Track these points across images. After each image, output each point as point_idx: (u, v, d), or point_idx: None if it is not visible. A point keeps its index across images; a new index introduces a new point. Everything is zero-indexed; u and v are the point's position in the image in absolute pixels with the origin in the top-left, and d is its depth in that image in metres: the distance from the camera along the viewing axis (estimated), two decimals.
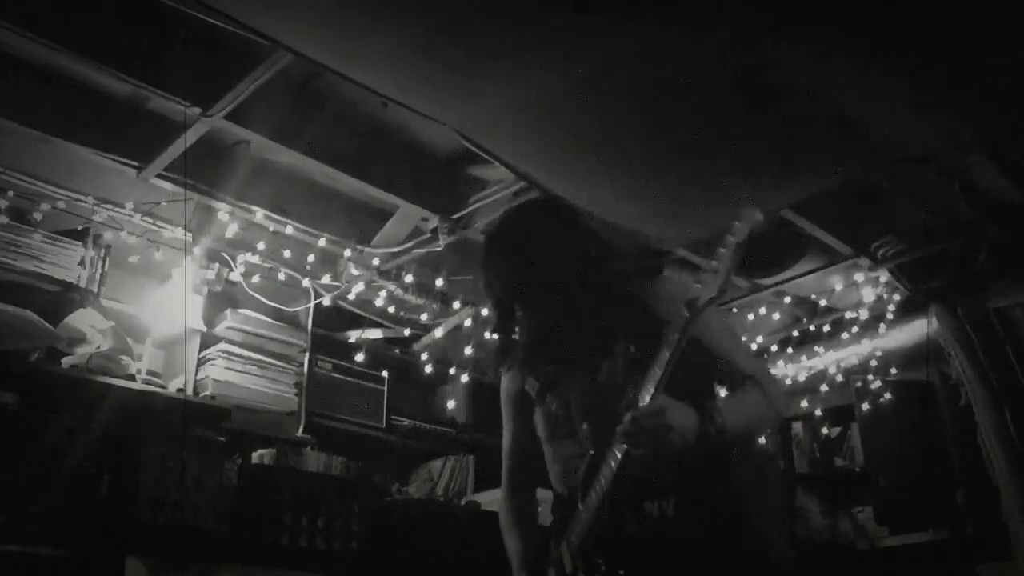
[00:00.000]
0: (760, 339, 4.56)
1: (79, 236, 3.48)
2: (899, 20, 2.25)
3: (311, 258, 3.85)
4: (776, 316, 4.40)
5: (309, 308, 4.06)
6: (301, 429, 3.87)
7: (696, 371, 1.81)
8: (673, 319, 1.72)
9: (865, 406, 4.51)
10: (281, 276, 3.93)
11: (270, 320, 3.92)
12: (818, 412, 4.79)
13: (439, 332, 4.33)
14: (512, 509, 2.17)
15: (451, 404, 4.61)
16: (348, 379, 4.20)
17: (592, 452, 1.83)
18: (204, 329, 3.74)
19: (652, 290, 1.97)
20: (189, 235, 3.68)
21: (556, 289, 1.92)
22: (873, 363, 4.45)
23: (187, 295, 3.56)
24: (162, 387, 3.52)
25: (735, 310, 4.35)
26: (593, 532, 1.76)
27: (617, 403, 1.78)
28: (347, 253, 3.84)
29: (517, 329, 2.03)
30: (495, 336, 2.08)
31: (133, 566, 2.79)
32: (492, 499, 4.05)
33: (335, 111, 3.20)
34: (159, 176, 3.29)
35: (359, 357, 4.17)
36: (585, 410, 1.91)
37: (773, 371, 4.60)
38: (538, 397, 2.03)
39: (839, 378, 4.61)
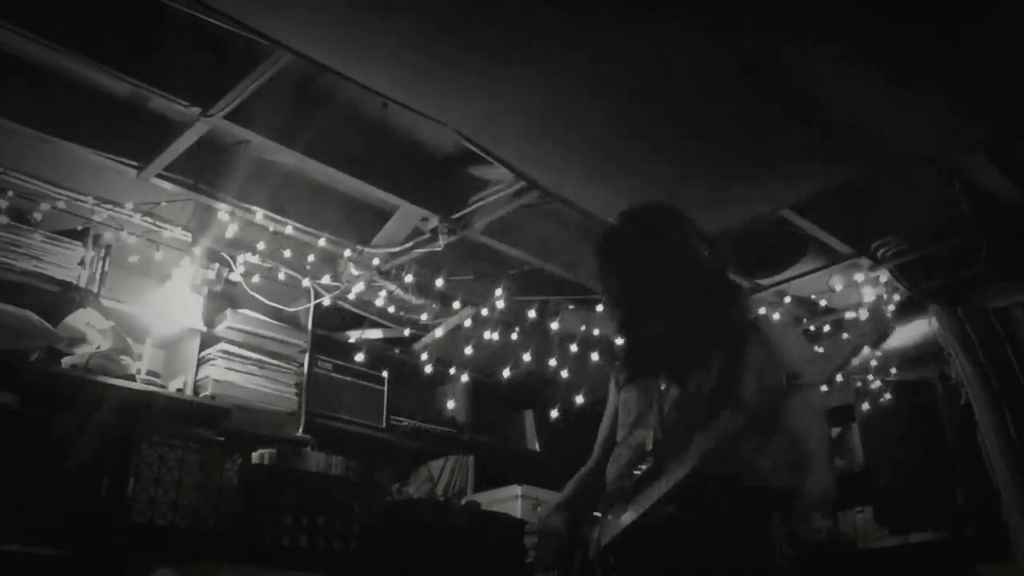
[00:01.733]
0: None
1: (79, 236, 3.48)
2: (900, 21, 2.26)
3: (311, 258, 3.85)
4: (776, 316, 4.39)
5: (309, 308, 4.06)
6: (301, 429, 3.87)
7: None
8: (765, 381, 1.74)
9: (865, 406, 4.51)
10: (281, 276, 3.93)
11: (270, 320, 3.92)
12: (839, 378, 4.77)
13: (439, 332, 4.32)
14: (587, 471, 2.22)
15: (451, 404, 4.61)
16: (348, 379, 4.20)
17: (653, 457, 1.87)
18: (204, 329, 3.74)
19: (763, 330, 1.98)
20: (188, 235, 3.70)
21: (668, 292, 1.96)
22: (873, 363, 4.45)
23: (190, 294, 3.57)
24: (162, 387, 3.52)
25: None
26: (621, 537, 1.82)
27: (696, 416, 1.82)
28: (347, 253, 3.84)
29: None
30: (620, 336, 2.15)
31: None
32: (492, 499, 4.06)
33: (335, 111, 3.20)
34: (159, 176, 3.29)
35: (359, 357, 4.16)
36: (665, 413, 1.95)
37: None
38: (625, 384, 2.11)
39: (839, 378, 4.59)
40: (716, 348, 1.93)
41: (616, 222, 2.10)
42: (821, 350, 1.74)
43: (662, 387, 1.97)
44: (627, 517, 1.83)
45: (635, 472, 1.90)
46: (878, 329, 1.75)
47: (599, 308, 4.05)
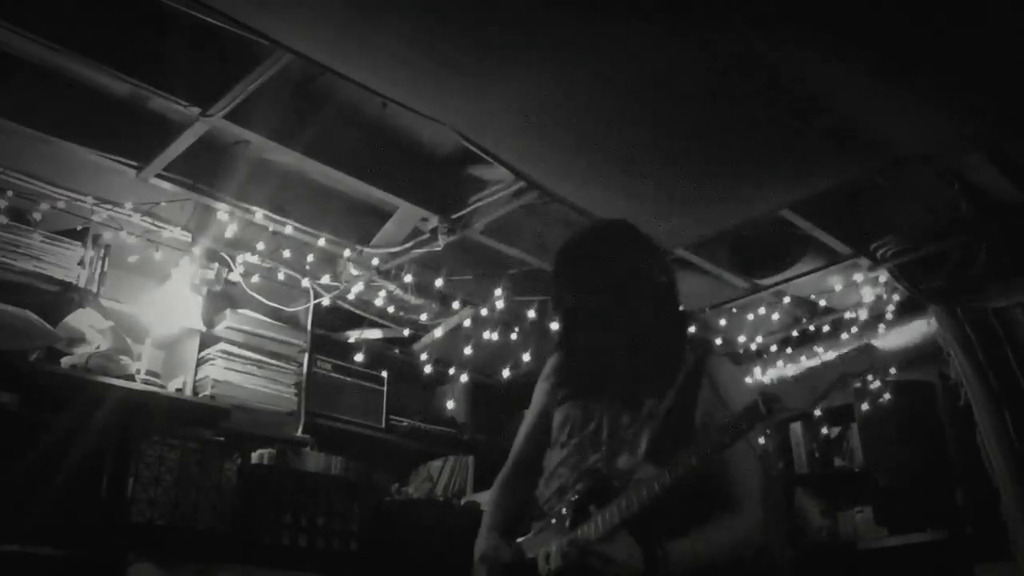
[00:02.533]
0: (760, 339, 4.56)
1: (78, 236, 3.48)
2: (900, 20, 2.26)
3: (310, 258, 3.85)
4: (776, 316, 4.40)
5: (309, 308, 4.06)
6: (301, 429, 3.87)
7: (700, 492, 1.76)
8: (732, 415, 1.68)
9: (865, 406, 4.51)
10: (280, 276, 3.93)
11: (270, 320, 3.92)
12: (817, 412, 4.78)
13: (439, 332, 4.33)
14: (502, 494, 2.24)
15: (451, 404, 4.61)
16: (348, 379, 4.21)
17: (595, 480, 1.85)
18: (203, 329, 3.74)
19: (719, 362, 1.95)
20: (188, 235, 3.69)
21: (619, 313, 1.92)
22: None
23: (190, 294, 3.55)
24: (161, 387, 3.52)
25: (735, 310, 4.35)
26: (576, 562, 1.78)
27: (641, 443, 1.82)
28: (346, 253, 3.84)
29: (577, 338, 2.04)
30: (560, 346, 2.10)
31: (141, 569, 2.79)
32: None
33: (335, 111, 3.20)
34: (158, 176, 3.29)
35: (359, 357, 4.17)
36: (613, 435, 1.92)
37: (772, 372, 4.60)
38: (564, 400, 2.05)
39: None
40: (666, 375, 1.90)
41: (575, 237, 2.06)
42: (805, 370, 1.66)
43: (612, 407, 1.93)
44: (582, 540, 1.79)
45: (575, 497, 1.87)
46: (869, 361, 1.63)
47: None
